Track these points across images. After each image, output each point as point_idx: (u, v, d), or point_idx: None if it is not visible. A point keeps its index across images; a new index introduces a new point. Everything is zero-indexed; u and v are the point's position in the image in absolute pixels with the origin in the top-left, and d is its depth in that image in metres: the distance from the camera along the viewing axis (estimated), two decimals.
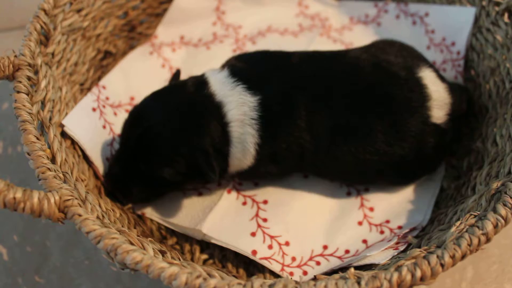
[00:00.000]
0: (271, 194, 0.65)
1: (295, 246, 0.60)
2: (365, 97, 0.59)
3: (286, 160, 0.61)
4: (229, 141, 0.58)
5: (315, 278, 0.50)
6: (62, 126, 0.59)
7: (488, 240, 0.44)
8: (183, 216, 0.63)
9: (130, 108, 0.72)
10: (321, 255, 0.59)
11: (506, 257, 0.63)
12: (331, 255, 0.59)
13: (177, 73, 0.66)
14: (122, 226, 0.55)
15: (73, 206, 0.47)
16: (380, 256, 0.53)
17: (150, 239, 0.53)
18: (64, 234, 0.67)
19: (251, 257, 0.58)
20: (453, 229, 0.47)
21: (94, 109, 0.66)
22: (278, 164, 0.61)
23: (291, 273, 0.58)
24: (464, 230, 0.45)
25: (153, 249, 0.48)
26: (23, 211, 0.47)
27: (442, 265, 0.43)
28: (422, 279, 0.42)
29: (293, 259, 0.59)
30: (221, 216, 0.62)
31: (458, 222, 0.48)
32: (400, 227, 0.60)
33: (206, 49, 0.80)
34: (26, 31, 0.60)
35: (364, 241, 0.60)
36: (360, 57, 0.62)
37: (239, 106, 0.58)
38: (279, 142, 0.59)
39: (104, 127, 0.67)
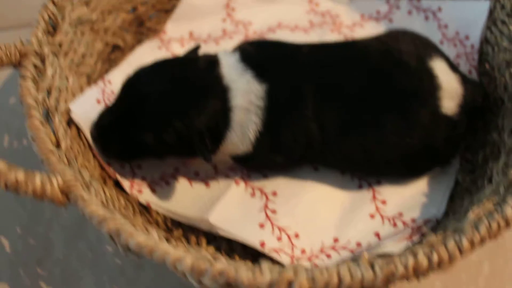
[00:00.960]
0: (281, 185, 0.63)
1: (305, 238, 0.58)
2: (374, 87, 0.58)
3: (292, 150, 0.59)
4: (228, 126, 0.57)
5: None
6: (68, 111, 0.58)
7: (508, 225, 0.42)
8: (190, 205, 0.61)
9: None
10: (332, 247, 0.57)
11: None
12: (342, 248, 0.57)
13: (196, 48, 0.64)
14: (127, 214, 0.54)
15: (77, 189, 0.46)
16: (394, 246, 0.52)
17: (155, 227, 0.52)
18: (67, 226, 0.65)
19: (259, 249, 0.56)
20: (471, 215, 0.45)
21: (98, 101, 0.65)
22: (283, 154, 0.60)
23: None
24: (483, 215, 0.44)
25: (157, 235, 0.47)
26: (25, 193, 0.46)
27: (460, 250, 0.41)
28: (439, 264, 0.40)
29: (303, 251, 0.57)
30: (229, 207, 0.60)
31: (476, 208, 0.46)
32: (413, 220, 0.58)
33: (215, 44, 0.79)
34: (35, 21, 0.60)
35: (377, 234, 0.58)
36: (370, 45, 0.61)
37: (245, 93, 0.57)
38: (284, 132, 0.58)
39: None
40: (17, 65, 0.57)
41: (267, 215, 0.59)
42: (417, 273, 0.40)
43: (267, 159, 0.61)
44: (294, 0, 0.85)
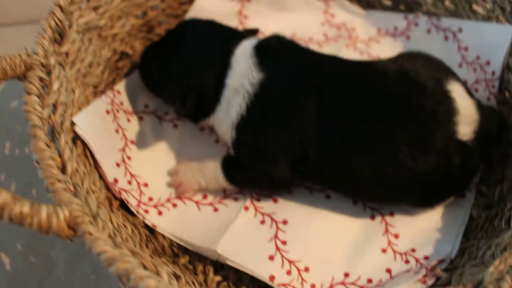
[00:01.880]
0: (291, 213, 0.61)
1: (315, 272, 0.56)
2: (389, 106, 0.56)
3: (275, 154, 0.58)
4: (218, 100, 0.61)
5: None
6: (72, 124, 0.56)
7: None
8: (198, 233, 0.59)
9: (144, 115, 0.69)
10: (342, 283, 0.56)
11: None
12: (352, 283, 0.56)
13: (255, 30, 0.70)
14: (134, 245, 0.52)
15: (84, 224, 0.44)
16: None
17: (163, 259, 0.50)
18: (70, 245, 0.63)
19: (269, 282, 0.54)
20: (491, 268, 0.44)
21: (108, 112, 0.63)
22: (266, 159, 0.59)
23: None
24: (505, 271, 0.42)
25: (167, 273, 0.45)
26: (30, 226, 0.43)
27: None
28: None
29: (313, 286, 0.55)
30: (237, 236, 0.58)
31: (497, 261, 0.44)
32: (426, 257, 0.57)
33: None
34: (40, 28, 0.57)
35: (388, 271, 0.56)
36: (386, 66, 0.59)
37: (241, 75, 0.60)
38: (273, 131, 0.58)
39: (117, 131, 0.64)
40: (22, 78, 0.54)
41: (277, 247, 0.58)
42: None
43: (252, 165, 0.60)
44: (308, 9, 0.82)
